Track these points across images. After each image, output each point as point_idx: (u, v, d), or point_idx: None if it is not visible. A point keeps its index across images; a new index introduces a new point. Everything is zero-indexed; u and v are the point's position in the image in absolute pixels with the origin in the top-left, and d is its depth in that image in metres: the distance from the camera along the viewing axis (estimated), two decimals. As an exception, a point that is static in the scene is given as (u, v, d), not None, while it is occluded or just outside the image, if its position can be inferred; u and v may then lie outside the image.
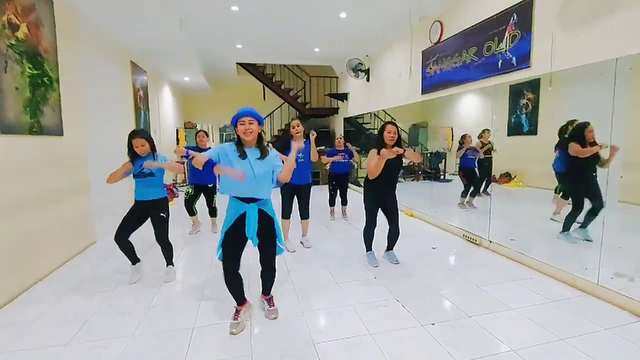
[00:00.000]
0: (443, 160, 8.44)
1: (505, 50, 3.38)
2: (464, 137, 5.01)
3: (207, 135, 4.42)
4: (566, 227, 3.44)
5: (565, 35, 2.86)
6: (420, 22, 4.95)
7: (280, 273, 2.77)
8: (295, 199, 3.70)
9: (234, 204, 2.14)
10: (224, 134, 13.74)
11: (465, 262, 3.42)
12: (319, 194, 6.65)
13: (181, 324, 2.28)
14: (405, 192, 7.96)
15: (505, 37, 3.38)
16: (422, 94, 5.03)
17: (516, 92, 5.48)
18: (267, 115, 9.75)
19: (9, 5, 2.74)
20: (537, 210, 4.55)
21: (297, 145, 2.45)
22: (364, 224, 3.29)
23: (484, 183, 5.21)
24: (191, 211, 4.45)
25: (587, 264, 2.86)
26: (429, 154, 8.86)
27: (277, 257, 2.33)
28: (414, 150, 8.54)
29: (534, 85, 5.16)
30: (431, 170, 9.15)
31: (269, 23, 5.59)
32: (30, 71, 3.02)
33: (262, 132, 2.20)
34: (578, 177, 3.40)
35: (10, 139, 2.71)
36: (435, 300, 2.61)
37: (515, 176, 5.49)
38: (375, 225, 3.20)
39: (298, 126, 3.42)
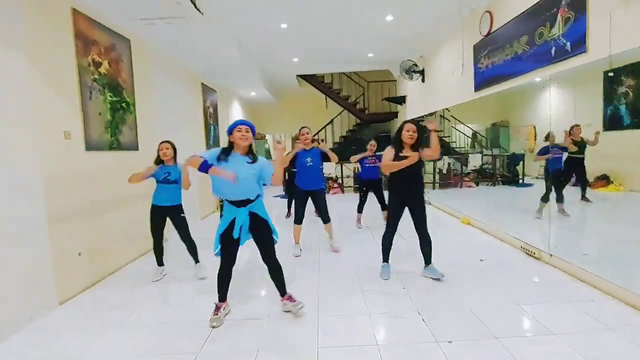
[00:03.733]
0: (520, 163, 7.54)
1: (559, 36, 2.93)
2: (549, 134, 4.41)
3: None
4: None
5: (624, 11, 2.37)
6: (470, 15, 4.58)
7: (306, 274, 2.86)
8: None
9: (228, 207, 2.36)
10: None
11: (514, 276, 3.03)
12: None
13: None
14: (469, 197, 7.35)
15: (557, 21, 2.93)
16: (475, 92, 4.62)
17: (611, 78, 4.67)
18: (328, 123, 10.00)
19: (93, 48, 3.44)
20: (636, 219, 3.79)
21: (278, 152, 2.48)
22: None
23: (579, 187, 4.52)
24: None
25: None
26: (506, 157, 8.02)
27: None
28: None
29: (635, 69, 4.33)
30: (508, 174, 8.24)
31: (318, 35, 5.81)
32: (111, 98, 3.71)
33: (252, 143, 2.40)
34: None
35: (93, 155, 3.37)
36: (463, 316, 2.39)
37: (614, 179, 4.64)
38: (395, 232, 3.06)
39: (307, 134, 3.75)
